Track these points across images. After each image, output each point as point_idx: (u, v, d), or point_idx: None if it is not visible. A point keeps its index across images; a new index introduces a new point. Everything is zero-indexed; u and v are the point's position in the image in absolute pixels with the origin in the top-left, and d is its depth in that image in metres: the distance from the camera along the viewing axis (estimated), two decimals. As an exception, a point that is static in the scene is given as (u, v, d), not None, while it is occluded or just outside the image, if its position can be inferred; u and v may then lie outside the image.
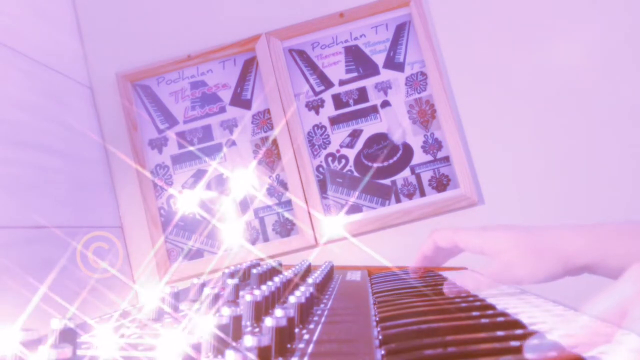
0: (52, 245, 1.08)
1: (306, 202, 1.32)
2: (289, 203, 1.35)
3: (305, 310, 0.46)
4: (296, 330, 0.43)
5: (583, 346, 0.33)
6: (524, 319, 0.43)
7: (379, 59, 1.38)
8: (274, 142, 1.37)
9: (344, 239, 1.30)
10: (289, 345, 0.37)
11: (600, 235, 0.55)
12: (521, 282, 0.57)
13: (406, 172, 1.33)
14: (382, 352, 0.36)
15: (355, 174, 1.34)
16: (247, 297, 0.46)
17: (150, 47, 1.42)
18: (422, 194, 1.32)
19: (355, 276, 0.81)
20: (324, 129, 1.37)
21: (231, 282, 0.59)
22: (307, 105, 1.38)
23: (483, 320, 0.42)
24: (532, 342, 0.33)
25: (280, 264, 0.85)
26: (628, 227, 0.55)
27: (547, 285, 0.59)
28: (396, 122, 1.35)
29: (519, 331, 0.38)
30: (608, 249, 0.53)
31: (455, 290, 0.61)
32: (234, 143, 1.39)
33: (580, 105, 1.30)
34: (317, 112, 1.38)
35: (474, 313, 0.46)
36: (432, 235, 0.67)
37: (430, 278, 0.73)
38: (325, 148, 1.36)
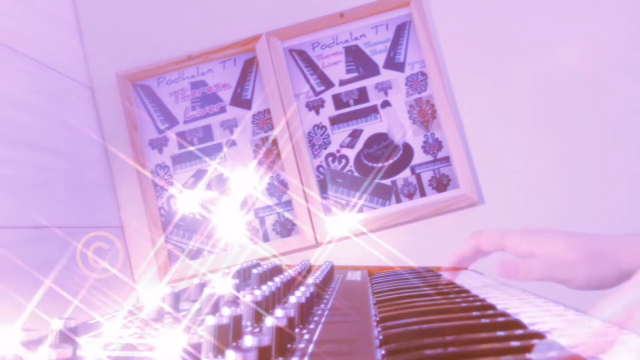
0: (52, 245, 1.08)
1: (306, 202, 1.32)
2: (289, 203, 1.35)
3: (306, 310, 0.46)
4: (296, 330, 0.43)
5: (592, 352, 0.32)
6: (525, 319, 0.43)
7: (379, 59, 1.38)
8: (274, 142, 1.37)
9: (345, 239, 1.30)
10: (289, 345, 0.37)
11: None
12: (573, 284, 0.55)
13: (406, 172, 1.33)
14: (383, 352, 0.36)
15: (356, 174, 1.34)
16: (247, 297, 0.46)
17: (150, 47, 1.42)
18: (423, 194, 1.32)
19: (356, 276, 0.81)
20: (324, 129, 1.37)
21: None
22: (307, 105, 1.38)
23: (483, 321, 0.42)
24: (550, 354, 0.32)
25: (281, 264, 0.85)
26: None
27: (547, 285, 0.59)
28: (396, 122, 1.35)
29: (519, 331, 0.38)
30: None
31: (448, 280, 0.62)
32: (234, 143, 1.39)
33: (581, 105, 1.30)
34: (318, 112, 1.38)
35: (474, 313, 0.46)
36: (476, 237, 0.65)
37: (432, 278, 0.73)
38: (325, 148, 1.36)
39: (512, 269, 0.58)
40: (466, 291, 0.59)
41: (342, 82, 1.38)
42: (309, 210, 1.32)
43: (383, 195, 1.33)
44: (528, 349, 0.34)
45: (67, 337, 0.37)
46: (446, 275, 0.71)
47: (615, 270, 0.53)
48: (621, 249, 0.54)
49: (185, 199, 1.38)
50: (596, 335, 0.33)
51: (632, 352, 0.32)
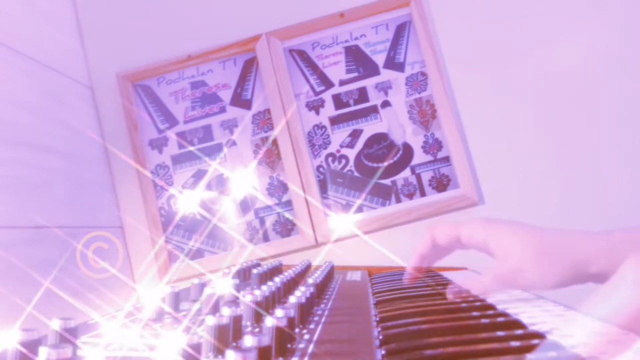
0: (52, 246, 1.08)
1: (306, 202, 1.32)
2: (289, 203, 1.35)
3: (306, 310, 0.46)
4: (296, 330, 0.43)
5: (594, 352, 0.32)
6: (524, 319, 0.43)
7: (379, 59, 1.38)
8: (274, 142, 1.37)
9: (345, 239, 1.30)
10: (289, 346, 0.37)
11: (615, 243, 0.51)
12: (530, 288, 0.53)
13: (406, 172, 1.33)
14: (383, 352, 0.36)
15: (356, 174, 1.34)
16: (247, 297, 0.46)
17: (150, 47, 1.42)
18: (423, 194, 1.32)
19: (356, 276, 0.82)
20: (324, 129, 1.37)
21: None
22: (307, 105, 1.38)
23: (483, 321, 0.42)
24: (550, 354, 0.32)
25: (281, 264, 0.85)
26: None
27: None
28: (396, 122, 1.35)
29: (519, 331, 0.38)
30: (622, 257, 0.51)
31: (458, 293, 0.58)
32: (234, 143, 1.39)
33: (581, 105, 1.30)
34: (318, 112, 1.38)
35: (474, 313, 0.46)
36: (430, 232, 0.63)
37: (431, 278, 0.72)
38: (325, 148, 1.36)
39: (463, 292, 0.56)
40: (466, 291, 0.59)
41: (342, 82, 1.38)
42: (309, 210, 1.32)
43: (383, 195, 1.33)
44: (528, 349, 0.34)
45: (66, 337, 0.37)
46: (408, 274, 0.68)
47: (570, 270, 0.51)
48: (575, 245, 0.52)
49: (185, 199, 1.38)
50: (597, 335, 0.33)
51: (632, 353, 0.32)
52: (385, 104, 1.36)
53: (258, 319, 0.45)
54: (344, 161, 1.35)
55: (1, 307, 0.88)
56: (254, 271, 0.68)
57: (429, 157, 1.33)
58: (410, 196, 1.32)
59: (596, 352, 0.33)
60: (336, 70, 1.39)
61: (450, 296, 0.57)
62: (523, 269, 0.53)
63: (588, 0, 1.33)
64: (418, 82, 1.35)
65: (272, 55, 1.38)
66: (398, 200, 1.32)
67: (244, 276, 0.74)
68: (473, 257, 0.69)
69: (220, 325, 0.36)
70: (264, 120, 1.39)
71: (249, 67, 1.41)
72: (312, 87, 1.39)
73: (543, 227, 0.55)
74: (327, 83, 1.38)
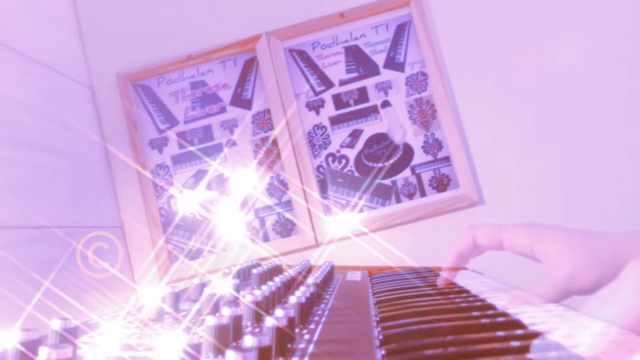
0: (52, 246, 1.08)
1: (306, 202, 1.32)
2: (289, 203, 1.35)
3: (306, 310, 0.46)
4: (296, 330, 0.43)
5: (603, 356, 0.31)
6: (525, 319, 0.43)
7: (379, 59, 1.38)
8: (274, 142, 1.37)
9: (345, 239, 1.30)
10: (289, 346, 0.37)
11: None
12: (587, 293, 0.51)
13: (407, 172, 1.33)
14: (383, 352, 0.36)
15: (356, 174, 1.34)
16: (248, 297, 0.46)
17: (150, 47, 1.42)
18: (423, 194, 1.32)
19: (356, 276, 0.81)
20: (324, 129, 1.37)
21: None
22: (307, 106, 1.38)
23: (483, 321, 0.42)
24: (551, 354, 0.32)
25: (281, 264, 0.85)
26: None
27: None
28: (396, 122, 1.35)
29: (519, 331, 0.38)
30: None
31: (446, 281, 0.61)
32: (234, 143, 1.39)
33: (581, 105, 1.30)
34: (318, 112, 1.38)
35: (475, 313, 0.46)
36: (471, 232, 0.61)
37: (432, 278, 0.72)
38: (325, 148, 1.36)
39: (523, 302, 0.53)
40: (466, 291, 0.59)
41: (342, 82, 1.38)
42: (309, 210, 1.32)
43: (383, 195, 1.33)
44: (528, 349, 0.34)
45: (67, 337, 0.37)
46: (445, 275, 0.68)
47: (613, 269, 0.50)
48: (624, 246, 0.51)
49: (185, 199, 1.38)
50: (599, 336, 0.33)
51: (633, 353, 0.32)
52: (385, 104, 1.36)
53: (258, 319, 0.45)
54: (344, 161, 1.35)
55: (1, 307, 0.88)
56: (254, 271, 0.68)
57: (429, 157, 1.33)
58: (410, 196, 1.32)
59: (598, 352, 0.33)
60: (336, 70, 1.39)
61: (440, 283, 0.60)
62: (577, 275, 0.51)
63: (588, 1, 1.33)
64: (418, 82, 1.35)
65: (272, 55, 1.38)
66: (398, 200, 1.32)
67: (244, 276, 0.74)
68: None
69: (220, 325, 0.36)
70: (264, 120, 1.39)
71: (249, 67, 1.41)
72: (312, 87, 1.39)
73: (583, 230, 0.54)
74: (327, 83, 1.38)
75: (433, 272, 0.81)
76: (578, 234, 0.54)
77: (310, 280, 0.59)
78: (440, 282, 0.66)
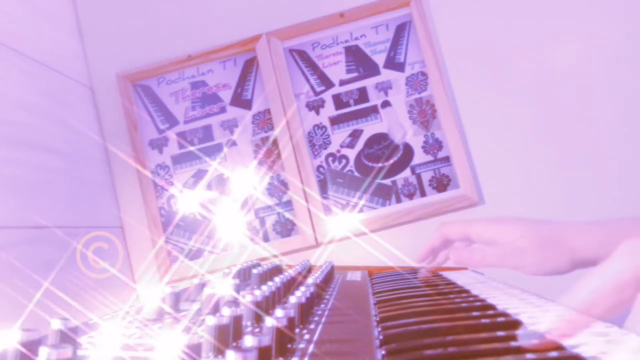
0: (52, 246, 1.08)
1: (306, 202, 1.32)
2: (289, 203, 1.35)
3: (306, 310, 0.46)
4: (296, 330, 0.43)
5: (563, 334, 0.34)
6: (525, 319, 0.43)
7: (380, 59, 1.38)
8: (275, 142, 1.37)
9: (345, 239, 1.30)
10: (289, 346, 0.37)
11: (612, 231, 0.55)
12: (526, 270, 0.57)
13: (407, 172, 1.33)
14: (383, 352, 0.36)
15: (356, 174, 1.34)
16: (247, 297, 0.46)
17: (150, 47, 1.42)
18: (423, 194, 1.32)
19: (356, 276, 0.81)
20: (324, 129, 1.37)
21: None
22: (307, 106, 1.38)
23: (483, 321, 0.42)
24: (551, 353, 0.33)
25: (281, 264, 0.85)
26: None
27: (548, 285, 0.59)
28: (397, 122, 1.35)
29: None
30: (616, 244, 0.53)
31: (429, 271, 0.67)
32: (234, 143, 1.39)
33: (581, 104, 1.30)
34: (318, 112, 1.38)
35: (475, 313, 0.46)
36: (441, 229, 0.68)
37: (432, 278, 0.72)
38: (325, 148, 1.36)
39: (464, 257, 0.61)
40: (466, 291, 0.59)
41: (342, 82, 1.38)
42: (309, 210, 1.32)
43: (383, 195, 1.33)
44: (528, 349, 0.34)
45: (67, 337, 0.37)
46: (424, 272, 0.74)
47: (566, 257, 0.56)
48: (572, 234, 0.56)
49: (185, 199, 1.38)
50: (563, 320, 0.34)
51: (632, 353, 0.32)
52: (386, 104, 1.36)
53: (258, 319, 0.45)
54: (344, 161, 1.35)
55: (1, 306, 0.88)
56: (254, 271, 0.68)
57: (429, 157, 1.33)
58: (410, 196, 1.32)
59: (594, 351, 0.33)
60: (336, 70, 1.39)
61: (423, 273, 0.65)
62: (522, 252, 0.57)
63: (588, 1, 1.33)
64: (418, 82, 1.35)
65: (272, 55, 1.38)
66: (398, 200, 1.32)
67: (244, 276, 0.74)
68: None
69: (220, 325, 0.36)
70: (264, 120, 1.39)
71: (249, 67, 1.41)
72: (312, 87, 1.39)
73: (545, 220, 0.60)
74: (327, 83, 1.38)
75: (433, 272, 0.81)
76: (534, 223, 0.60)
77: (310, 280, 0.60)
78: (422, 274, 0.73)
